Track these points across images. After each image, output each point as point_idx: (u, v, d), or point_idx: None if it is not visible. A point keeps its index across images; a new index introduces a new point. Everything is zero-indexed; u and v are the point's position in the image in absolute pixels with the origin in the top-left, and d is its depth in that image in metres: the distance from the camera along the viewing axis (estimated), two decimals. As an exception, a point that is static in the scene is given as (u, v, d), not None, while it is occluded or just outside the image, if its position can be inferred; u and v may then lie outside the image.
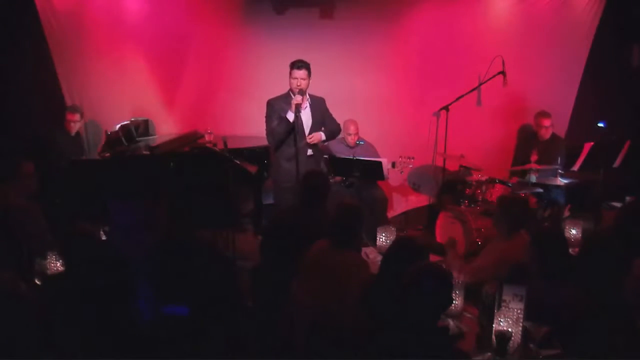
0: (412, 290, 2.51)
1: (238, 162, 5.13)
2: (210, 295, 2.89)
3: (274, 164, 5.26)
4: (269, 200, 6.50)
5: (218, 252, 3.21)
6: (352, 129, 5.82)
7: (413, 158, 5.56)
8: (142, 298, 2.92)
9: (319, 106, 5.09)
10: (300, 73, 4.85)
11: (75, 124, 5.79)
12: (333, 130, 5.25)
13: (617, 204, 5.25)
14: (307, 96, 5.00)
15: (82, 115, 5.85)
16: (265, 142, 6.02)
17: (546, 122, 5.85)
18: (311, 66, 4.94)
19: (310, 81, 4.96)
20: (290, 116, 4.86)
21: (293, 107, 4.78)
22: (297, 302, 3.29)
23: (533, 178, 5.55)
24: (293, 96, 4.88)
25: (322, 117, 5.13)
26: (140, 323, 2.87)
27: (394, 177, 6.11)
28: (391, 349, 2.49)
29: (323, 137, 5.13)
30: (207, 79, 6.52)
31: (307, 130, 5.03)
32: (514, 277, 2.92)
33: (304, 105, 4.95)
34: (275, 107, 4.95)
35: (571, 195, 5.74)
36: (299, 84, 4.84)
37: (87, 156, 5.93)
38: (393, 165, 5.69)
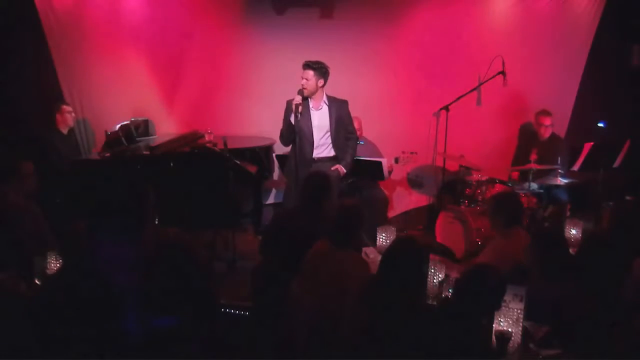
0: (472, 285, 2.60)
1: (238, 162, 5.13)
2: (189, 299, 2.88)
3: (286, 164, 5.21)
4: (269, 200, 6.52)
5: (192, 254, 3.18)
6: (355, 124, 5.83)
7: (416, 153, 5.56)
8: (129, 315, 2.90)
9: (337, 109, 4.93)
10: (304, 73, 4.81)
11: (72, 116, 5.80)
12: (352, 154, 5.07)
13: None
14: (325, 97, 4.91)
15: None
16: (265, 142, 6.04)
17: (547, 121, 5.85)
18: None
19: (326, 82, 4.87)
20: (292, 117, 4.83)
21: (293, 107, 4.77)
22: (297, 302, 3.29)
23: (534, 186, 5.54)
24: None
25: (341, 120, 4.96)
26: (129, 337, 2.86)
27: (396, 172, 6.11)
28: (431, 341, 2.53)
29: (343, 171, 4.99)
30: (207, 79, 6.52)
31: (320, 132, 4.91)
32: (514, 277, 2.92)
33: (317, 106, 4.91)
34: (288, 106, 4.91)
35: (571, 195, 5.74)
36: (302, 83, 4.82)
37: (85, 156, 5.94)
38: (396, 160, 5.69)
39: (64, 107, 5.77)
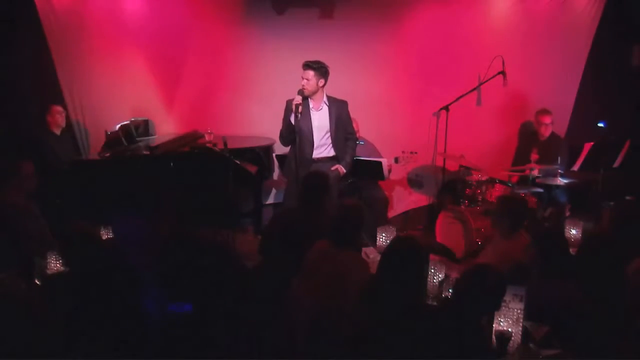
0: (472, 285, 2.61)
1: (238, 162, 5.13)
2: (219, 293, 2.91)
3: (286, 164, 5.21)
4: (269, 200, 6.52)
5: (225, 250, 3.23)
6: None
7: (416, 153, 5.57)
8: (149, 298, 2.93)
9: (337, 109, 4.93)
10: (305, 73, 4.80)
11: (62, 116, 5.78)
12: (351, 154, 5.07)
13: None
14: (325, 97, 4.90)
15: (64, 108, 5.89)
16: (265, 142, 6.04)
17: (547, 120, 5.86)
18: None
19: (326, 82, 4.87)
20: (292, 117, 4.82)
21: (293, 107, 4.76)
22: (297, 302, 3.29)
23: (534, 174, 5.56)
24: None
25: (341, 120, 4.95)
26: (148, 323, 2.88)
27: (396, 172, 6.11)
28: (431, 341, 2.53)
29: (343, 171, 4.99)
30: (207, 79, 6.52)
31: (320, 133, 4.90)
32: (514, 277, 2.92)
33: (317, 107, 4.90)
34: (288, 106, 4.90)
35: (571, 195, 5.75)
36: (303, 84, 4.81)
37: (84, 156, 5.94)
38: (396, 160, 5.69)
39: (54, 108, 5.75)
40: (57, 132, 5.77)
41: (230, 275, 3.07)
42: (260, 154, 5.86)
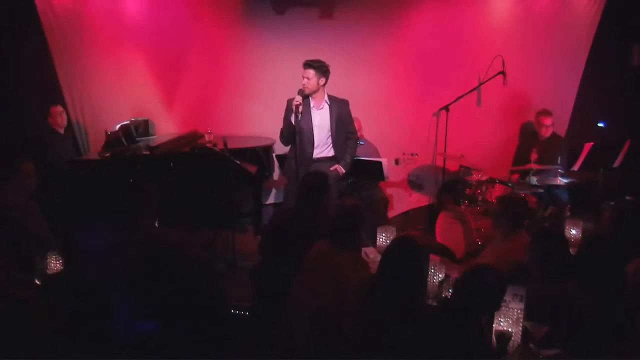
0: (472, 286, 2.61)
1: (238, 162, 5.13)
2: (188, 302, 2.89)
3: (285, 164, 5.21)
4: (269, 200, 6.52)
5: (192, 257, 3.19)
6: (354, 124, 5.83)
7: (416, 154, 5.57)
8: (118, 315, 2.92)
9: (338, 108, 4.92)
10: (305, 72, 4.78)
11: (63, 116, 5.80)
12: (351, 153, 5.05)
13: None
14: (326, 96, 4.90)
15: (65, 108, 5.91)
16: (265, 142, 6.04)
17: (547, 121, 5.85)
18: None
19: (327, 81, 4.86)
20: (293, 117, 4.81)
21: (293, 107, 4.76)
22: (297, 302, 3.29)
23: (533, 180, 5.56)
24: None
25: (342, 120, 4.94)
26: (118, 339, 2.87)
27: (396, 173, 6.11)
28: (431, 341, 2.53)
29: (342, 171, 4.98)
30: (207, 79, 6.52)
31: (321, 132, 4.89)
32: (514, 277, 2.92)
33: (318, 106, 4.91)
34: (289, 106, 4.89)
35: (571, 195, 5.75)
36: (303, 83, 4.81)
37: (85, 156, 5.95)
38: (396, 162, 5.68)
39: (52, 109, 5.77)
40: (61, 131, 5.80)
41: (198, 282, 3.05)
42: (261, 154, 5.86)
